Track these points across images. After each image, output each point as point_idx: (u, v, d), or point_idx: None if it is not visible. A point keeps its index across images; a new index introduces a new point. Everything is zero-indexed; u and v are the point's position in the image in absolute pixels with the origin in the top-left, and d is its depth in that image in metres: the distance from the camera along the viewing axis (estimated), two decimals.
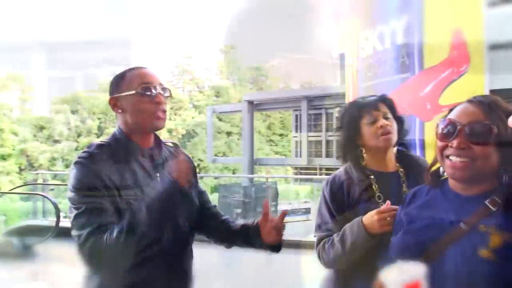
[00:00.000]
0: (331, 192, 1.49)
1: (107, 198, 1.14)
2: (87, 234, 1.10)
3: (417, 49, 6.72)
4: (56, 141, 34.80)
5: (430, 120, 6.39)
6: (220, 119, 38.58)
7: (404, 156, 1.46)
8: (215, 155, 30.84)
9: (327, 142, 18.86)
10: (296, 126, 19.94)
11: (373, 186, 1.44)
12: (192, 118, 40.28)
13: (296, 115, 20.04)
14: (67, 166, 31.09)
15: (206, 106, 32.88)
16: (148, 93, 1.21)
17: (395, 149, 1.49)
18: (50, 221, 5.38)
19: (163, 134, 29.20)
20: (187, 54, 45.04)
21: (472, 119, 0.95)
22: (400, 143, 1.48)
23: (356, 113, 1.50)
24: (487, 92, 6.40)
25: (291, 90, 27.91)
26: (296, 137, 20.18)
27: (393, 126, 1.43)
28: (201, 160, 37.56)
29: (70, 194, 1.16)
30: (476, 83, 6.08)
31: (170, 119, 38.73)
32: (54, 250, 4.56)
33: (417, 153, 6.69)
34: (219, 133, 39.25)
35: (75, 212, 1.14)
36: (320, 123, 19.04)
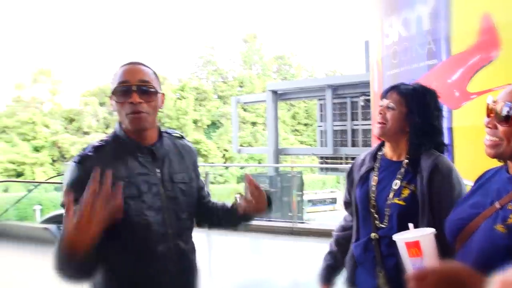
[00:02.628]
0: (350, 168, 1.60)
1: None
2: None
3: (444, 34, 6.53)
4: (85, 133, 35.78)
5: (459, 108, 6.25)
6: (244, 109, 38.69)
7: (416, 149, 1.43)
8: (241, 145, 31.01)
9: (353, 131, 18.58)
10: (321, 115, 19.72)
11: (374, 171, 1.50)
12: (217, 108, 40.53)
13: (321, 104, 19.80)
14: None
15: (230, 97, 32.98)
16: (121, 94, 1.18)
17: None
18: None
19: (188, 125, 29.39)
20: (210, 45, 45.17)
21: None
22: (421, 139, 1.43)
23: (380, 99, 1.53)
24: None
25: (315, 79, 27.64)
26: (321, 126, 19.97)
27: (394, 116, 1.41)
28: (226, 150, 37.86)
29: (62, 193, 1.13)
30: (507, 69, 5.88)
31: (195, 110, 39.10)
32: None
33: (445, 141, 6.58)
34: (244, 123, 39.39)
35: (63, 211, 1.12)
36: (345, 112, 18.75)
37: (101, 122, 36.60)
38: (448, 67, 6.48)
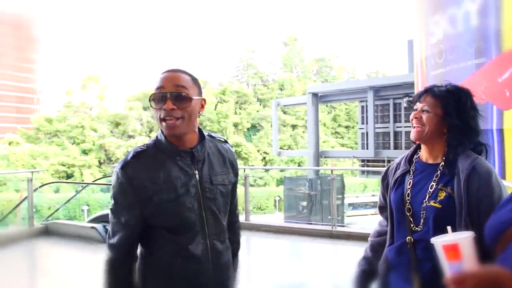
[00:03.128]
0: (385, 172, 1.60)
1: (137, 207, 1.22)
2: (110, 251, 1.28)
3: (494, 31, 6.24)
4: (130, 136, 37.07)
5: (510, 108, 5.93)
6: (284, 112, 38.64)
7: (451, 152, 1.40)
8: (280, 148, 30.97)
9: (395, 133, 18.06)
10: (363, 117, 19.32)
11: (410, 174, 1.48)
12: (257, 111, 40.73)
13: (362, 106, 19.41)
14: None
15: (270, 100, 33.05)
16: (156, 101, 1.23)
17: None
18: None
19: (229, 128, 29.74)
20: (250, 49, 45.49)
21: None
22: (461, 141, 1.40)
23: (413, 101, 1.53)
24: None
25: (356, 81, 27.17)
26: (362, 128, 19.58)
27: (431, 119, 1.40)
28: (266, 153, 37.97)
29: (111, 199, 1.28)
30: None
31: (235, 113, 39.50)
32: None
33: (494, 143, 6.25)
34: (284, 126, 39.33)
35: (111, 215, 1.27)
36: (388, 114, 18.27)
37: (145, 126, 37.78)
38: (498, 65, 6.19)
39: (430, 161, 1.46)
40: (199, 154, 1.30)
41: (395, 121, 17.91)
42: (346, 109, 43.34)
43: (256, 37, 66.30)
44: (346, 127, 43.43)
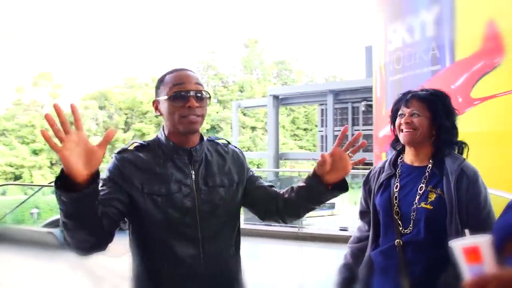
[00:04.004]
0: (366, 177, 1.61)
1: (125, 192, 1.17)
2: None
3: (449, 41, 6.57)
4: None
5: (462, 114, 6.25)
6: (244, 114, 38.72)
7: (440, 153, 1.44)
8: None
9: (353, 136, 18.65)
10: (322, 120, 19.77)
11: (396, 177, 1.50)
12: (217, 113, 40.56)
13: (322, 109, 19.88)
14: None
15: (230, 101, 33.03)
16: (179, 98, 1.21)
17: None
18: None
19: None
20: (210, 50, 45.28)
21: None
22: (450, 141, 1.45)
23: (394, 107, 1.55)
24: None
25: (317, 84, 27.67)
26: (321, 131, 20.03)
27: (423, 122, 1.43)
28: None
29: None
30: (510, 76, 5.89)
31: None
32: None
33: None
34: (243, 127, 39.40)
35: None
36: (346, 117, 18.81)
37: (100, 126, 36.64)
38: (452, 73, 6.51)
39: (416, 164, 1.48)
40: (197, 154, 1.27)
41: (353, 124, 18.44)
42: (305, 112, 44.04)
43: (217, 38, 65.95)
44: (305, 129, 44.14)
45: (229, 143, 1.43)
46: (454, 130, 1.45)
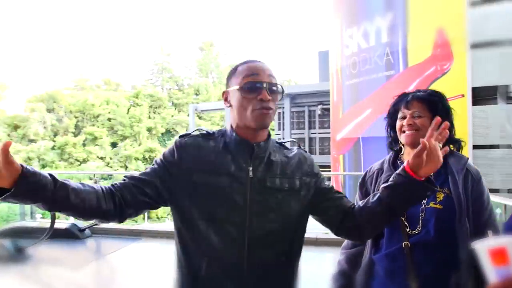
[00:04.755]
0: (362, 179, 1.58)
1: (168, 177, 1.15)
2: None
3: (402, 47, 6.89)
4: (31, 141, 33.97)
5: None
6: (200, 117, 38.39)
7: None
8: None
9: (310, 139, 18.96)
10: (279, 123, 19.98)
11: None
12: (172, 116, 39.92)
13: (279, 113, 20.11)
14: (43, 166, 30.38)
15: (187, 104, 32.66)
16: (252, 89, 1.14)
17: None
18: (41, 222, 5.27)
19: (142, 133, 28.43)
20: (166, 52, 44.58)
21: None
22: (452, 140, 1.46)
23: (392, 110, 1.54)
24: (469, 90, 6.59)
25: None
26: (279, 134, 20.26)
27: (425, 123, 1.41)
28: None
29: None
30: (459, 81, 6.28)
31: (149, 118, 38.30)
32: (48, 252, 4.47)
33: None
34: None
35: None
36: (303, 120, 19.14)
37: (48, 129, 34.92)
38: (406, 78, 6.82)
39: None
40: (260, 150, 1.19)
41: (310, 128, 18.79)
42: None
43: (172, 41, 65.02)
44: None
45: (299, 146, 1.34)
46: (453, 128, 1.46)
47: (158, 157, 1.20)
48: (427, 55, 6.47)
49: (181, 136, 1.21)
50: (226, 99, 1.23)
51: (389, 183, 1.16)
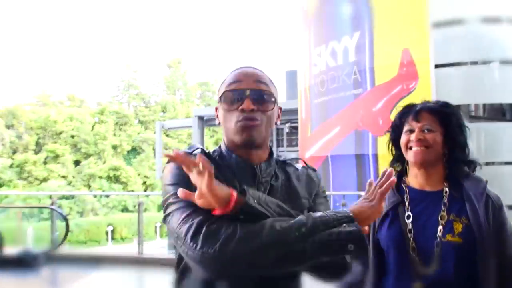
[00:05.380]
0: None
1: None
2: (202, 223, 0.87)
3: (369, 66, 7.00)
4: None
5: (383, 135, 6.65)
6: (167, 135, 37.88)
7: (457, 175, 1.25)
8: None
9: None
10: None
11: (405, 205, 1.28)
12: (138, 133, 39.19)
13: None
14: (0, 185, 28.92)
15: (154, 121, 32.21)
16: (232, 99, 0.99)
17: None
18: None
19: (107, 151, 27.75)
20: (133, 69, 43.98)
21: None
22: (467, 161, 1.29)
23: (397, 121, 1.36)
24: None
25: None
26: None
27: (437, 138, 1.24)
28: (147, 177, 36.47)
29: (166, 190, 0.98)
30: (424, 100, 6.40)
31: (114, 135, 37.43)
32: None
33: (370, 167, 6.90)
34: (166, 149, 38.39)
35: (173, 207, 0.92)
36: (271, 138, 19.18)
37: (7, 147, 33.39)
38: (373, 96, 6.91)
39: (428, 188, 1.28)
40: (263, 173, 1.01)
41: (278, 146, 18.83)
42: None
43: (139, 57, 64.34)
44: None
45: (305, 163, 1.16)
46: (467, 147, 1.28)
47: (173, 175, 0.99)
48: (394, 74, 6.55)
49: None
50: (217, 116, 1.08)
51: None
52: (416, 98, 6.43)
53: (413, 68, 6.59)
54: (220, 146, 1.07)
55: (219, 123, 1.06)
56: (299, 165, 1.15)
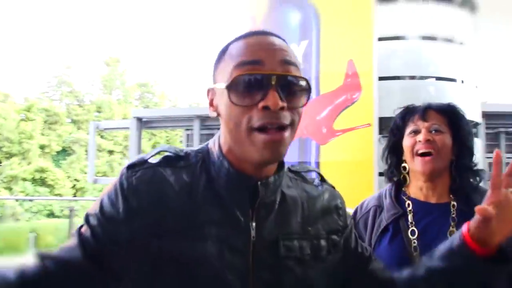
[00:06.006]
0: (350, 219, 1.27)
1: (114, 248, 0.65)
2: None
3: (315, 75, 7.09)
4: None
5: (326, 144, 6.78)
6: (101, 136, 36.33)
7: (466, 185, 1.14)
8: (96, 174, 28.69)
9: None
10: (188, 145, 19.55)
11: (407, 218, 1.15)
12: (70, 133, 37.21)
13: (188, 135, 19.70)
14: None
15: (86, 122, 30.74)
16: (248, 88, 0.64)
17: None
18: None
19: (33, 151, 26.20)
20: (66, 64, 41.77)
21: None
22: (474, 171, 1.16)
23: (399, 123, 1.20)
24: (376, 120, 6.99)
25: (183, 109, 27.55)
26: None
27: (445, 142, 1.11)
28: (77, 181, 34.59)
29: (99, 203, 0.70)
30: (366, 111, 6.60)
31: (43, 134, 35.22)
32: None
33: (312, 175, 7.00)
34: (100, 151, 36.75)
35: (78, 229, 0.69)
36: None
37: None
38: (318, 105, 6.99)
39: (434, 200, 1.16)
40: (267, 193, 0.70)
41: None
42: (166, 136, 43.33)
43: (74, 52, 61.07)
44: None
45: (321, 177, 0.85)
46: (473, 154, 1.16)
47: (92, 209, 0.69)
48: (339, 84, 6.67)
49: (130, 167, 0.68)
50: (211, 103, 0.73)
51: (442, 265, 0.75)
52: (359, 108, 6.51)
53: (357, 79, 6.77)
54: (208, 145, 0.76)
55: (218, 115, 0.72)
56: (313, 176, 0.84)
